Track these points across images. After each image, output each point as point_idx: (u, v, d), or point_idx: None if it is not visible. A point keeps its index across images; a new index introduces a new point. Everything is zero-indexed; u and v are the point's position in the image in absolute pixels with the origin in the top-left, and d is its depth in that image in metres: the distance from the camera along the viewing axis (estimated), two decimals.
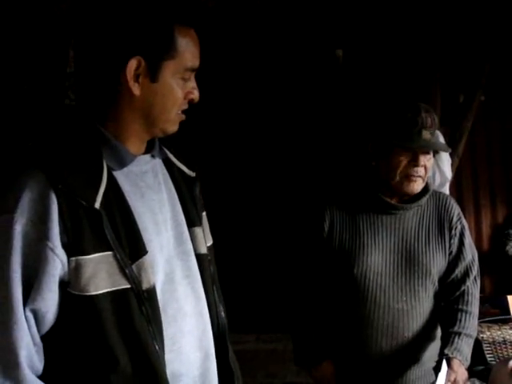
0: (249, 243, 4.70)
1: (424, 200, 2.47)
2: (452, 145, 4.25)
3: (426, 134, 2.35)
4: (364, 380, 2.46)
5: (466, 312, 2.43)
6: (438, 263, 2.44)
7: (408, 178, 2.37)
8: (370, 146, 2.46)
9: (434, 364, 2.44)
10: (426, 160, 2.38)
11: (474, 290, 2.49)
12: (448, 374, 2.24)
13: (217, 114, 4.33)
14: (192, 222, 1.67)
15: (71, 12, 3.31)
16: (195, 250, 1.66)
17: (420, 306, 2.42)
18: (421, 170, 2.37)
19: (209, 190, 1.86)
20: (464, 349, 2.35)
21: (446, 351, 2.32)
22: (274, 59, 4.91)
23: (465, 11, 4.32)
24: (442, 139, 3.90)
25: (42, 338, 1.43)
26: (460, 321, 2.41)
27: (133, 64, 1.44)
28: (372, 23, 4.56)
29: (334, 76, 4.92)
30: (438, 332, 2.51)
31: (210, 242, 1.75)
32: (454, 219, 2.50)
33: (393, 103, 2.49)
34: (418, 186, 2.40)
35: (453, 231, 2.48)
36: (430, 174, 2.49)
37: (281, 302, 2.64)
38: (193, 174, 1.74)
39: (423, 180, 2.41)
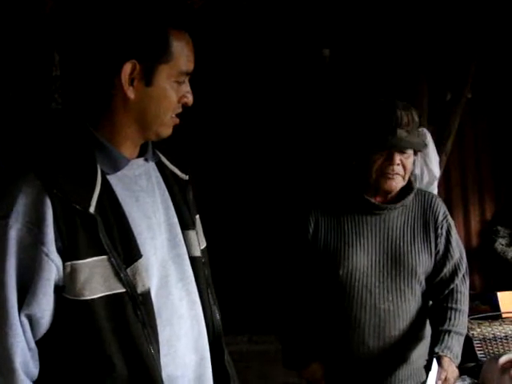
0: (240, 245, 4.70)
1: (409, 200, 2.47)
2: (440, 143, 4.27)
3: (401, 133, 2.32)
4: (353, 380, 2.46)
5: (456, 310, 2.44)
6: (423, 263, 2.43)
7: (384, 176, 2.36)
8: (350, 144, 2.46)
9: (422, 363, 2.45)
10: (404, 158, 2.36)
11: (462, 287, 2.49)
12: (439, 373, 2.24)
13: (202, 116, 4.32)
14: (185, 225, 1.68)
15: (56, 15, 3.30)
16: (189, 253, 1.67)
17: (406, 306, 2.42)
18: (398, 169, 2.36)
19: (201, 193, 1.86)
20: (454, 347, 2.36)
21: (436, 349, 2.33)
22: (261, 59, 4.91)
23: (451, 9, 4.34)
24: (429, 137, 3.93)
25: (37, 342, 1.43)
26: (450, 319, 2.41)
27: (128, 68, 1.45)
28: (359, 22, 4.57)
29: (321, 75, 4.93)
30: (427, 331, 2.51)
31: (203, 245, 1.76)
32: (440, 218, 2.49)
33: (369, 101, 2.48)
34: (396, 183, 2.38)
35: (439, 230, 2.47)
36: (417, 172, 2.49)
37: (272, 304, 2.64)
38: (186, 177, 1.75)
39: (403, 178, 2.39)
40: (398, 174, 2.36)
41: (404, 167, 2.37)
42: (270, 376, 4.51)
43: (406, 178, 2.42)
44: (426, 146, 2.52)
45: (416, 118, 2.39)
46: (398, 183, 2.39)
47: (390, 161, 2.34)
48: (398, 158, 2.34)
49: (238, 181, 4.82)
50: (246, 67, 4.88)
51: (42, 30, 3.42)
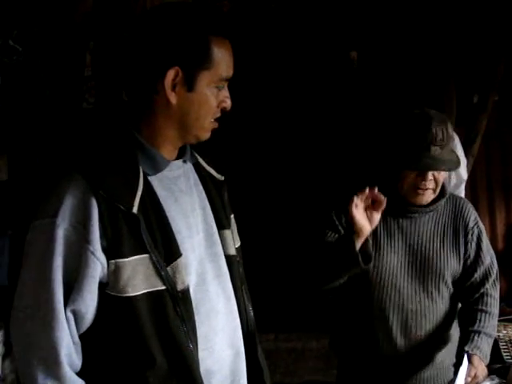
0: (267, 244, 4.73)
1: (440, 204, 2.49)
2: (467, 145, 4.27)
3: (435, 151, 2.31)
4: (378, 377, 2.49)
5: (486, 312, 2.46)
6: (451, 267, 2.46)
7: (415, 190, 2.38)
8: (381, 158, 2.47)
9: (448, 364, 2.48)
10: (437, 173, 2.37)
11: (493, 292, 2.51)
12: (468, 369, 2.27)
13: (236, 118, 4.36)
14: (221, 225, 1.73)
15: (91, 17, 3.37)
16: (224, 252, 1.72)
17: (433, 307, 2.45)
18: (429, 184, 2.36)
19: (235, 194, 1.90)
20: (484, 347, 2.38)
21: (466, 348, 2.35)
22: (289, 62, 4.94)
23: (478, 13, 4.34)
24: (456, 139, 3.94)
25: (81, 336, 1.49)
26: (480, 320, 2.44)
27: (171, 74, 1.50)
28: (386, 25, 4.59)
29: (349, 78, 4.95)
30: (455, 333, 2.54)
31: (238, 244, 1.80)
32: (471, 224, 2.50)
33: (404, 114, 2.47)
34: (426, 197, 2.40)
35: (469, 236, 2.49)
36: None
37: (299, 302, 2.66)
38: (222, 178, 1.80)
39: (434, 191, 2.40)
40: (429, 188, 2.38)
41: (436, 181, 2.38)
42: (296, 373, 4.54)
43: (438, 191, 2.43)
44: (459, 162, 2.48)
45: (451, 133, 2.38)
46: (428, 197, 2.41)
47: (422, 177, 2.35)
48: (430, 174, 2.35)
49: (268, 182, 4.85)
50: (273, 70, 4.91)
51: (72, 33, 3.49)
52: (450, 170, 2.42)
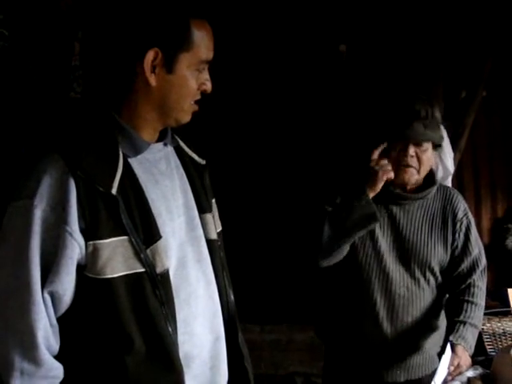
0: (253, 234, 4.71)
1: (430, 193, 2.51)
2: (454, 140, 4.27)
3: (417, 126, 2.37)
4: (365, 364, 2.51)
5: (472, 303, 2.47)
6: (438, 255, 2.48)
7: (398, 167, 2.41)
8: (369, 134, 2.51)
9: (435, 353, 2.49)
10: (420, 151, 2.41)
11: (480, 283, 2.53)
12: (452, 359, 2.28)
13: (223, 105, 4.34)
14: (203, 209, 1.72)
15: (77, 6, 3.35)
16: (206, 236, 1.71)
17: (420, 294, 2.47)
18: (412, 160, 2.41)
19: (216, 178, 1.89)
20: (468, 337, 2.39)
21: (450, 338, 2.36)
22: (277, 54, 4.92)
23: (467, 7, 4.35)
24: (444, 133, 3.94)
25: (59, 319, 1.47)
26: (466, 311, 2.45)
27: (150, 55, 1.49)
28: (376, 18, 4.58)
29: (338, 71, 4.93)
30: (442, 323, 2.56)
31: (219, 228, 1.80)
32: (460, 214, 2.53)
33: (393, 94, 2.52)
34: (409, 176, 2.43)
35: (457, 226, 2.51)
36: (431, 167, 2.50)
37: (284, 294, 2.66)
38: (203, 162, 1.79)
39: (417, 171, 2.44)
40: (411, 166, 2.41)
41: (419, 160, 2.42)
42: (281, 365, 4.54)
43: (422, 173, 2.46)
44: (442, 139, 2.54)
45: (437, 114, 2.43)
46: (410, 176, 2.43)
47: (404, 152, 2.40)
48: (412, 149, 2.39)
49: (253, 168, 4.82)
50: (261, 61, 4.89)
51: (62, 20, 3.46)
52: (432, 143, 2.44)
